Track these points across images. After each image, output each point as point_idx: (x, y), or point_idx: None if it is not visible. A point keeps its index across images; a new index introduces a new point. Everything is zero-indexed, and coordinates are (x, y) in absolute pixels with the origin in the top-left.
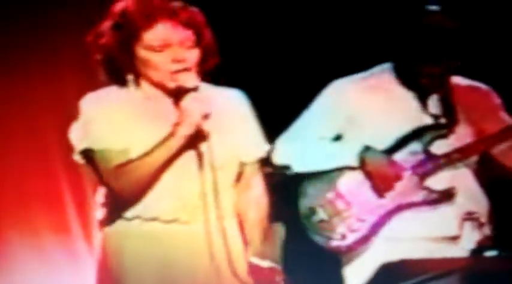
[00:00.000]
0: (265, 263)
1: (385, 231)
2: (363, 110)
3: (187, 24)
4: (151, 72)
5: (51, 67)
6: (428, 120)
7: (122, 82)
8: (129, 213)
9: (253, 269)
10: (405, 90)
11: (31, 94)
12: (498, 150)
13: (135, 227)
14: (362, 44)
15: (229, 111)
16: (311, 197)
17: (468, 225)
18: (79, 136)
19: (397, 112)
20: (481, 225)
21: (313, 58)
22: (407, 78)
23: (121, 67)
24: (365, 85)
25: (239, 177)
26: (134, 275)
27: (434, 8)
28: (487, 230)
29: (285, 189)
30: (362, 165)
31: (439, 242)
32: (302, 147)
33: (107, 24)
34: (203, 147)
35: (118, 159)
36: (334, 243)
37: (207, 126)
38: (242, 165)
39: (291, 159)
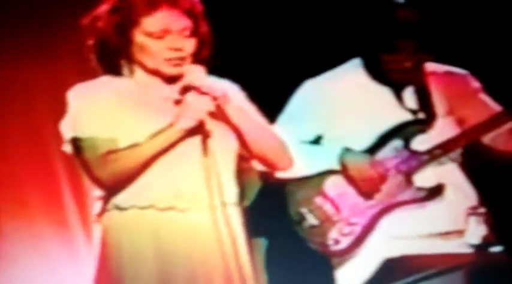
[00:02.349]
0: None
1: (382, 230)
2: (341, 109)
3: (188, 13)
4: (147, 59)
5: (49, 59)
6: (406, 115)
7: (113, 69)
8: (124, 203)
9: None
10: (379, 85)
11: (29, 86)
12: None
13: (132, 217)
14: (328, 40)
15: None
16: (299, 203)
17: (473, 220)
18: (67, 126)
19: (374, 109)
20: (486, 220)
21: (276, 57)
22: (378, 74)
23: (115, 52)
24: (340, 83)
25: (239, 168)
26: (133, 265)
27: (399, 0)
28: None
29: (274, 195)
30: (343, 169)
31: (435, 238)
32: None
33: (104, 8)
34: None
35: (105, 147)
36: (328, 248)
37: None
38: (240, 156)
39: None
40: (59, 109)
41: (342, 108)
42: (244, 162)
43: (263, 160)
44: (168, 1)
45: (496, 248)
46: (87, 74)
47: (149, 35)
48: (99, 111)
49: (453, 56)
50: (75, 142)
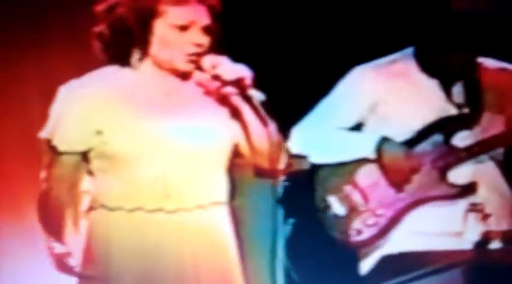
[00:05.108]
0: None
1: (405, 225)
2: (385, 98)
3: (210, 11)
4: (163, 51)
5: (40, 53)
6: (452, 110)
7: (122, 58)
8: (111, 203)
9: None
10: (428, 77)
11: (20, 81)
12: None
13: (119, 218)
14: (382, 28)
15: None
16: (328, 189)
17: (472, 217)
18: (48, 126)
19: (420, 102)
20: (485, 217)
21: (331, 43)
22: (430, 65)
23: (130, 40)
24: (388, 72)
25: (232, 164)
26: (120, 263)
27: None
28: (492, 222)
29: (302, 180)
30: (378, 158)
31: (453, 236)
32: (320, 137)
33: None
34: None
35: (76, 161)
36: (350, 238)
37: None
38: (236, 145)
39: (308, 148)
40: (51, 101)
41: (387, 98)
42: (238, 157)
43: (260, 156)
44: None
45: (495, 245)
46: (80, 68)
47: (174, 27)
48: (83, 115)
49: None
50: (51, 145)
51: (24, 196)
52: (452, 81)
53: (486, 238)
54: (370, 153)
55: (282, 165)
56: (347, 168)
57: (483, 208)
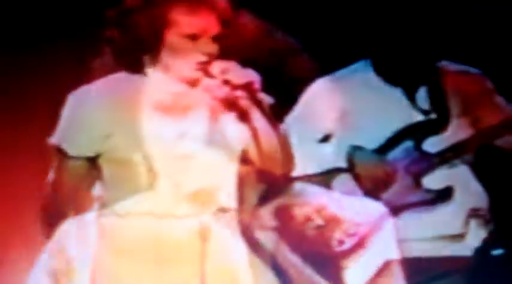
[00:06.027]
0: None
1: (388, 232)
2: (352, 109)
3: (221, 17)
4: (172, 59)
5: (45, 58)
6: (419, 117)
7: (133, 65)
8: (121, 209)
9: None
10: (390, 86)
11: (26, 86)
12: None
13: (130, 223)
14: (338, 41)
15: None
16: (305, 202)
17: (473, 222)
18: (58, 132)
19: (385, 110)
20: (487, 222)
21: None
22: (389, 74)
23: (141, 48)
24: (350, 83)
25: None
26: (129, 269)
27: None
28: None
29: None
30: (351, 167)
31: (443, 241)
32: None
33: (137, 3)
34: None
35: (85, 168)
36: (332, 249)
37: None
38: (245, 151)
39: None
40: (55, 111)
41: (352, 108)
42: (246, 164)
43: (270, 162)
44: (208, 5)
45: (497, 251)
46: (85, 79)
47: (184, 36)
48: (93, 120)
49: (462, 55)
50: (59, 150)
51: (27, 204)
52: (414, 88)
53: (488, 243)
54: (343, 163)
55: (293, 169)
56: (322, 179)
57: (485, 214)
